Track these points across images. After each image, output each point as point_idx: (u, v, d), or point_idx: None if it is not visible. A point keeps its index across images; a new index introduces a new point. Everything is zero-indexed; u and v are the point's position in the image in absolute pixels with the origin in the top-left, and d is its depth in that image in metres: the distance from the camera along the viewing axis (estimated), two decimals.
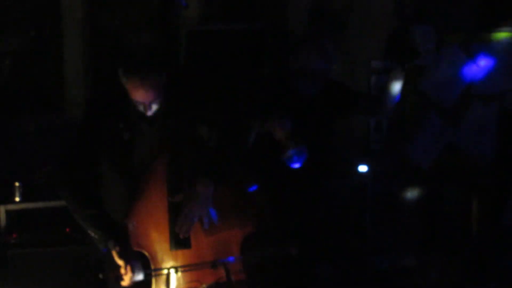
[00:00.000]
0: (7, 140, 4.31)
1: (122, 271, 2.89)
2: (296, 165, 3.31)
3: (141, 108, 2.90)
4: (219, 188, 2.97)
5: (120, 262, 2.90)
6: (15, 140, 4.32)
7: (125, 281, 2.90)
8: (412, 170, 5.05)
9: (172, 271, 2.90)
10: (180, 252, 2.91)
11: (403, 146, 5.03)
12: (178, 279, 2.90)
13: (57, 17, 4.47)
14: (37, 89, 4.51)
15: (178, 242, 2.90)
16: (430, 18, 4.91)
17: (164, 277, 2.90)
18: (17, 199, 4.05)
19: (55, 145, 4.31)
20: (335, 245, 4.54)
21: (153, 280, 2.92)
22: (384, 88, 3.63)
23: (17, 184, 4.04)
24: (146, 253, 2.94)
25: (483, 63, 4.83)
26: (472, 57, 4.99)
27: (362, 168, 4.70)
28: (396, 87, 3.57)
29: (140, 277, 2.90)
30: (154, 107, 2.90)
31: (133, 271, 2.88)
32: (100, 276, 2.92)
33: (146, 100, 2.84)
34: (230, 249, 2.96)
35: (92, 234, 2.94)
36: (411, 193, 5.05)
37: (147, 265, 2.95)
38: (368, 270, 4.71)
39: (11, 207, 4.02)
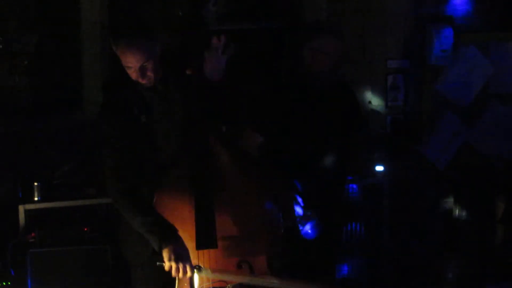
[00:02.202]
0: (26, 140, 4.32)
1: (172, 271, 2.87)
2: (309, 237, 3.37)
3: (134, 77, 2.91)
4: (246, 189, 2.98)
5: (169, 263, 2.85)
6: (34, 140, 4.33)
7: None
8: (429, 170, 5.04)
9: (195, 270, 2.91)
10: (205, 252, 2.90)
11: (419, 146, 5.02)
12: (202, 279, 2.89)
13: (75, 16, 4.47)
14: (56, 89, 4.52)
15: (204, 241, 2.89)
16: (448, 18, 4.90)
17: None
18: (36, 198, 4.05)
19: (74, 145, 4.33)
20: (351, 245, 4.55)
21: (176, 280, 2.91)
22: None
23: (36, 183, 4.04)
24: None
25: None
26: (489, 57, 4.98)
27: (379, 168, 4.70)
28: None
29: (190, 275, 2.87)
30: (149, 76, 2.91)
31: (184, 271, 2.85)
32: (157, 264, 2.89)
33: (135, 64, 2.86)
34: (257, 249, 2.96)
35: (148, 237, 2.93)
36: (427, 193, 5.04)
37: None
38: (384, 269, 4.71)
39: (30, 206, 4.02)
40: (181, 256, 2.84)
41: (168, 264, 2.85)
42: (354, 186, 4.55)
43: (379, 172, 4.69)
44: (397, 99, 4.98)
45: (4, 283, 3.83)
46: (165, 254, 2.85)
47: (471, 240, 4.92)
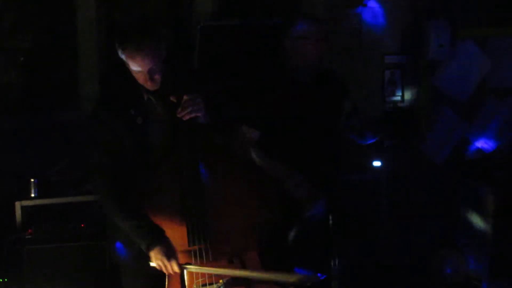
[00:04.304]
0: (23, 136, 4.32)
1: (163, 269, 2.89)
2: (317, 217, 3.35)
3: (141, 80, 2.88)
4: (236, 184, 2.99)
5: (157, 263, 2.89)
6: (30, 136, 4.33)
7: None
8: (426, 165, 5.03)
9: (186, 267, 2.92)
10: (197, 248, 2.91)
11: (417, 141, 5.02)
12: (196, 274, 2.90)
13: (71, 14, 4.48)
14: (52, 86, 4.52)
15: (196, 238, 2.90)
16: (445, 13, 4.89)
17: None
18: (32, 195, 4.05)
19: (70, 142, 4.33)
20: (349, 240, 4.54)
21: (166, 278, 2.92)
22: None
23: (32, 180, 4.05)
24: None
25: None
26: (487, 52, 4.97)
27: (376, 163, 4.69)
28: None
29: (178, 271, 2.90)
30: (157, 79, 2.88)
31: (172, 269, 2.88)
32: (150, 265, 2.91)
33: (144, 68, 2.83)
34: (248, 243, 2.97)
35: (136, 240, 2.94)
36: (425, 189, 5.04)
37: None
38: (382, 265, 4.70)
39: (26, 203, 4.02)
40: (167, 255, 2.86)
41: (156, 263, 2.88)
42: (351, 181, 4.55)
43: (376, 167, 4.68)
44: (395, 94, 4.98)
45: (1, 280, 3.83)
46: (152, 255, 2.88)
47: (468, 236, 4.91)
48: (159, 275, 2.92)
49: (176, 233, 2.92)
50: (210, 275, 2.89)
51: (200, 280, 2.90)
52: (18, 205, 4.00)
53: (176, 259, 2.87)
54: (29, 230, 3.95)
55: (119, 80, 3.00)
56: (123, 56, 2.86)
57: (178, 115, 2.87)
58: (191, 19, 4.42)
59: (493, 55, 4.99)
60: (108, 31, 4.49)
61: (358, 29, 4.88)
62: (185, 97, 2.86)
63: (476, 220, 4.86)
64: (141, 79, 2.89)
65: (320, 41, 3.42)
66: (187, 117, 2.88)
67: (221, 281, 2.85)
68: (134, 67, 2.85)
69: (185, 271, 2.90)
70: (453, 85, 4.98)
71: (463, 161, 5.06)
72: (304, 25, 3.44)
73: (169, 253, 2.87)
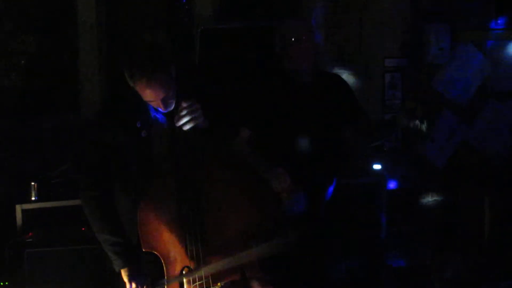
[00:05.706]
0: (23, 139, 4.33)
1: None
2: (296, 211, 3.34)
3: (155, 105, 2.89)
4: (234, 188, 2.99)
5: (127, 282, 2.95)
6: (31, 139, 4.34)
7: None
8: (427, 168, 5.04)
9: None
10: (196, 253, 2.91)
11: (417, 144, 5.02)
12: (193, 278, 2.90)
13: (72, 17, 4.49)
14: (53, 89, 4.53)
15: (194, 241, 2.91)
16: (445, 16, 4.90)
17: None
18: (33, 198, 4.06)
19: (70, 145, 4.33)
20: (349, 243, 4.55)
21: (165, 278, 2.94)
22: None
23: (33, 183, 4.05)
24: (158, 254, 2.94)
25: None
26: (487, 55, 4.98)
27: (377, 166, 4.69)
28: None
29: None
30: (170, 103, 2.89)
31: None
32: None
33: (156, 99, 2.83)
34: (246, 245, 2.97)
35: (109, 254, 2.97)
36: (426, 192, 5.04)
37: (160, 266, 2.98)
38: (382, 268, 4.71)
39: (27, 206, 4.03)
40: (137, 277, 2.93)
41: (126, 283, 2.94)
42: (352, 184, 4.55)
43: (377, 170, 4.68)
44: (395, 98, 4.98)
45: (1, 283, 3.84)
46: (124, 274, 2.95)
47: (468, 239, 4.92)
48: (158, 279, 2.93)
49: (174, 237, 2.93)
50: (207, 279, 2.89)
51: (197, 283, 2.90)
52: (18, 208, 4.01)
53: (146, 281, 2.93)
54: (30, 234, 3.96)
55: (128, 91, 2.99)
56: (135, 88, 2.84)
57: (177, 124, 2.84)
58: (192, 23, 4.43)
59: (493, 59, 5.00)
60: (108, 35, 4.50)
61: (358, 32, 4.89)
62: (183, 104, 2.84)
63: (476, 224, 4.87)
64: (154, 104, 2.90)
65: (302, 40, 3.41)
66: (187, 126, 2.86)
67: (219, 284, 2.87)
68: (147, 98, 2.85)
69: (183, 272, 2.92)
70: (453, 88, 4.99)
71: (463, 165, 5.07)
72: (286, 25, 3.46)
73: (139, 275, 2.93)
